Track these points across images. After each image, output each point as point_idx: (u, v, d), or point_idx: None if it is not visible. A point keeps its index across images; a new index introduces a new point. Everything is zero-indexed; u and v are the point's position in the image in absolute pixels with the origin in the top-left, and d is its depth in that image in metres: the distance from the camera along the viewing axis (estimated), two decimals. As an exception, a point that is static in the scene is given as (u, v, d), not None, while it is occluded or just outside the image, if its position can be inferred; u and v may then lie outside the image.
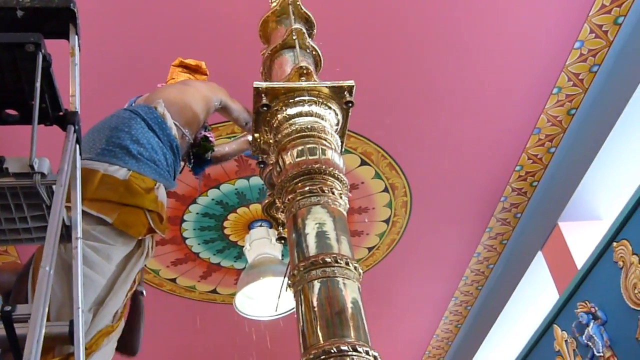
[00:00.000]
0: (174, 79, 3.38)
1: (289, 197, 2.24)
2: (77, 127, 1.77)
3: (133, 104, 2.95)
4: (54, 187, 1.55)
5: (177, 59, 3.50)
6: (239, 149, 3.56)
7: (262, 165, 2.79)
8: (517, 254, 6.24)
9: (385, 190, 5.68)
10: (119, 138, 2.57)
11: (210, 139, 3.29)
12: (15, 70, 1.67)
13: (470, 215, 5.99)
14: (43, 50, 1.66)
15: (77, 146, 1.77)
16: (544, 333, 5.03)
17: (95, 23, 3.97)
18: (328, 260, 1.97)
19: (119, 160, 2.51)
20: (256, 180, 5.33)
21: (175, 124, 2.83)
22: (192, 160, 3.28)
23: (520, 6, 4.39)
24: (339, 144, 2.53)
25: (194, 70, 3.47)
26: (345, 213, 2.25)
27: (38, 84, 1.61)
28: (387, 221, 6.03)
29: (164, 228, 2.64)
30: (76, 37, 1.91)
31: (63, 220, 1.61)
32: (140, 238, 2.49)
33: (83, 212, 1.92)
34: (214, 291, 6.59)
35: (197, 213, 5.70)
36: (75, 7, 1.89)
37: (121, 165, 2.50)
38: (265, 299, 5.40)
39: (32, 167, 1.51)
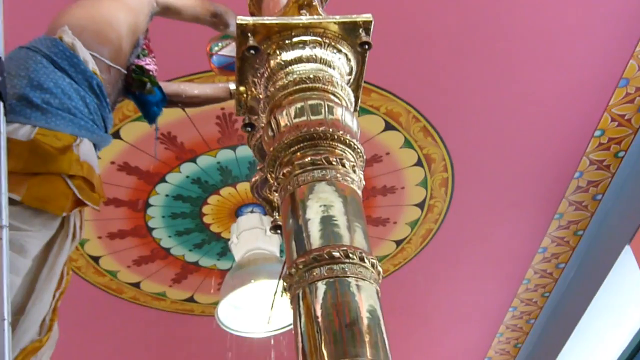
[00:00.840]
0: None
1: (285, 170, 2.25)
2: (1, 77, 1.78)
3: None
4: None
5: None
6: (214, 95, 3.56)
7: (249, 129, 2.81)
8: (598, 249, 6.25)
9: (419, 163, 5.68)
10: (14, 87, 2.49)
11: (146, 67, 3.20)
12: None
13: (533, 197, 6.00)
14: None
15: (1, 104, 1.79)
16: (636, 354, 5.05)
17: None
18: (336, 254, 1.98)
19: (18, 115, 2.44)
20: (245, 151, 5.34)
21: (92, 55, 2.76)
22: (125, 95, 3.22)
23: None
24: (352, 99, 2.54)
25: None
26: (359, 192, 2.25)
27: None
28: (421, 205, 6.05)
29: (97, 198, 2.62)
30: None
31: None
32: (64, 215, 2.48)
33: None
34: (191, 299, 6.65)
35: (167, 195, 5.73)
36: None
37: (22, 122, 2.44)
38: (257, 308, 5.44)
39: None
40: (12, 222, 2.26)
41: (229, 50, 3.47)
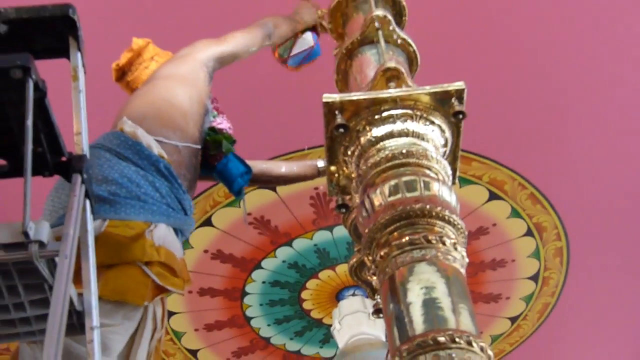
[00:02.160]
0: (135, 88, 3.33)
1: (382, 252, 2.24)
2: (85, 175, 1.83)
3: None
4: (57, 259, 1.61)
5: (114, 73, 3.42)
6: (302, 174, 3.57)
7: (343, 210, 2.81)
8: None
9: (529, 233, 5.61)
10: None
11: (218, 126, 3.23)
12: (-1, 105, 1.76)
13: (658, 263, 5.83)
14: (34, 76, 1.73)
15: (88, 202, 1.84)
16: None
17: (105, 29, 4.14)
18: (441, 339, 1.94)
19: None
20: (342, 232, 5.35)
21: (156, 140, 2.80)
22: (208, 171, 3.24)
23: None
24: (449, 172, 2.52)
25: (141, 59, 3.38)
26: (463, 271, 2.22)
27: (29, 122, 1.68)
28: (535, 278, 5.94)
29: (181, 282, 2.64)
30: (79, 54, 1.99)
31: (71, 304, 1.67)
32: (146, 304, 2.50)
33: None
34: (294, 391, 6.64)
35: (264, 282, 5.78)
36: (75, 15, 1.97)
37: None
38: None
39: (26, 234, 1.57)
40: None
41: (298, 47, 3.57)
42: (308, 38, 3.57)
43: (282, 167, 3.57)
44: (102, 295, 2.34)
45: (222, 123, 3.25)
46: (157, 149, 2.78)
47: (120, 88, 3.41)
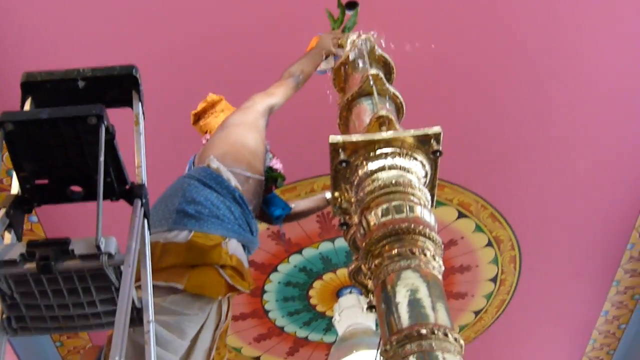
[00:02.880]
0: (207, 132, 3.46)
1: (376, 261, 2.25)
2: (144, 200, 1.85)
3: (192, 165, 3.08)
4: (122, 267, 1.63)
5: (192, 118, 3.56)
6: (316, 207, 3.62)
7: (344, 227, 2.82)
8: (654, 310, 5.97)
9: (489, 244, 5.60)
10: (173, 204, 2.68)
11: (274, 166, 3.30)
12: (78, 144, 1.78)
13: (592, 267, 5.81)
14: (106, 122, 1.76)
15: (145, 221, 1.86)
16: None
17: (160, 83, 4.17)
18: (424, 332, 1.96)
19: (177, 225, 2.61)
20: (342, 242, 5.36)
21: (232, 172, 2.89)
22: (265, 200, 3.29)
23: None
24: (429, 198, 2.53)
25: (214, 109, 3.51)
26: (440, 276, 2.23)
27: (102, 158, 1.70)
28: (494, 280, 5.92)
29: (247, 285, 2.71)
30: (140, 104, 2.02)
31: (133, 302, 1.68)
32: (220, 298, 2.57)
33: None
34: (303, 369, 6.60)
35: (279, 282, 5.77)
36: (137, 74, 2.00)
37: (180, 229, 2.59)
38: (361, 376, 5.35)
39: (98, 247, 1.59)
40: (176, 309, 2.41)
41: (324, 65, 3.58)
42: (331, 61, 3.55)
43: (301, 206, 3.58)
44: (186, 289, 2.44)
45: (276, 164, 3.30)
46: (234, 182, 2.86)
47: (195, 129, 3.57)
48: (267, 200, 3.31)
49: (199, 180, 2.81)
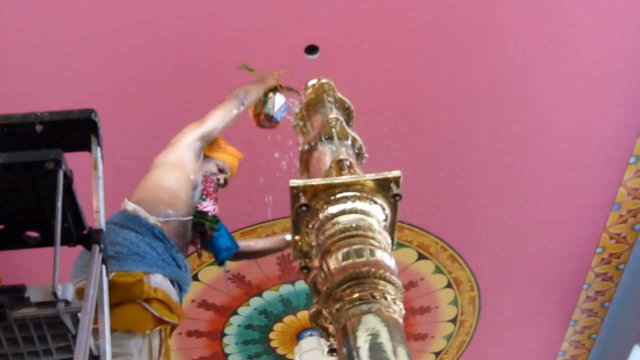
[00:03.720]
0: None
1: (337, 306, 2.24)
2: (102, 245, 1.83)
3: None
4: (79, 315, 1.60)
5: None
6: (274, 247, 3.57)
7: (305, 271, 2.80)
8: (610, 350, 6.02)
9: (449, 285, 5.62)
10: None
11: (204, 209, 3.18)
12: (35, 189, 1.76)
13: (550, 308, 5.86)
14: (64, 167, 1.74)
15: (104, 267, 1.83)
16: None
17: (117, 125, 4.14)
18: (385, 377, 1.95)
19: None
20: (302, 285, 5.33)
21: (150, 214, 2.88)
22: (201, 243, 3.25)
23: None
24: (389, 241, 2.53)
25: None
26: (401, 320, 2.22)
27: (59, 204, 1.68)
28: (454, 321, 5.93)
29: (177, 316, 2.69)
30: (98, 148, 2.01)
31: (90, 350, 1.65)
32: (149, 332, 2.54)
33: None
34: (263, 414, 6.50)
35: (239, 325, 5.71)
36: (96, 118, 1.99)
37: None
38: (321, 421, 5.30)
39: (55, 294, 1.56)
40: (113, 350, 2.32)
41: (277, 104, 3.61)
42: (280, 96, 3.62)
43: (259, 245, 3.56)
44: (114, 328, 2.37)
45: (207, 206, 3.19)
46: (153, 220, 2.87)
47: None
48: (210, 243, 3.27)
49: (115, 223, 2.82)
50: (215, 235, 3.25)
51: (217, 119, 3.29)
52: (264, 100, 3.61)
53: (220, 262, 3.34)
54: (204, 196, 3.22)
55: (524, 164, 4.86)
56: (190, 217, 3.10)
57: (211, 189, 3.27)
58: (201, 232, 3.20)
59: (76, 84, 4.07)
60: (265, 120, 3.65)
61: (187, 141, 3.19)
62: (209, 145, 3.35)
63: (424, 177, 4.75)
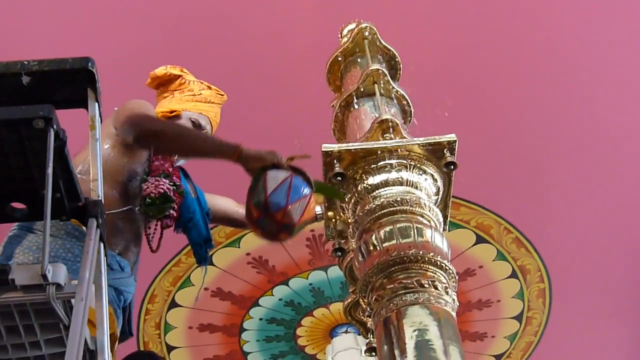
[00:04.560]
0: None
1: (377, 295, 2.25)
2: (100, 220, 1.85)
3: None
4: (73, 301, 1.62)
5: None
6: None
7: (339, 254, 2.82)
8: None
9: (514, 275, 5.60)
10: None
11: (144, 193, 2.78)
12: (21, 153, 1.77)
13: (635, 305, 5.81)
14: (55, 126, 1.74)
15: (102, 245, 1.85)
16: None
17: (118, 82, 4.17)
18: (434, 380, 1.96)
19: None
20: (336, 272, 5.35)
21: None
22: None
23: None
24: (441, 220, 2.54)
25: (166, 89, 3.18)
26: (454, 313, 2.23)
27: (50, 170, 1.69)
28: (519, 318, 5.92)
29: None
30: (96, 104, 2.01)
31: (86, 344, 1.67)
32: None
33: None
34: None
35: (261, 319, 5.76)
36: (94, 68, 2.00)
37: None
38: None
39: (44, 277, 1.58)
40: None
41: (275, 179, 2.57)
42: (275, 172, 2.59)
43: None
44: None
45: (148, 187, 2.80)
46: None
47: None
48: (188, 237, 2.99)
49: (22, 227, 2.57)
50: (189, 227, 2.93)
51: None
52: (252, 187, 2.61)
53: (199, 260, 3.01)
54: (144, 177, 2.87)
55: (616, 133, 4.82)
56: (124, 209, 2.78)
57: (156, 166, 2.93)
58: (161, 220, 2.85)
59: (72, 27, 4.10)
60: (261, 215, 2.56)
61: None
62: (178, 93, 3.08)
63: (485, 144, 4.72)
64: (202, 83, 3.15)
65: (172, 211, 2.81)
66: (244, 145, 2.64)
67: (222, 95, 3.16)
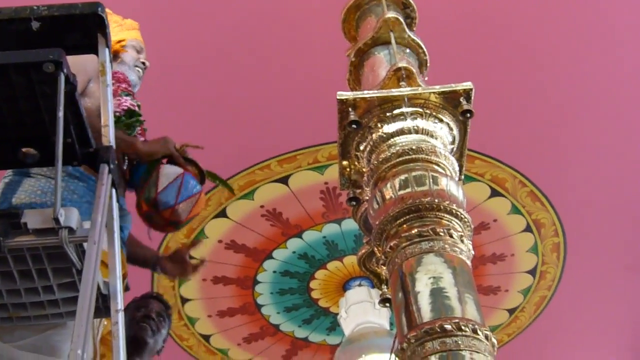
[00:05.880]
0: None
1: (392, 243, 2.24)
2: (112, 165, 1.84)
3: None
4: (85, 245, 1.62)
5: None
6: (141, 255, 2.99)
7: (354, 203, 2.81)
8: None
9: (528, 229, 5.59)
10: None
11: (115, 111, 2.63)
12: (32, 97, 1.76)
13: (650, 259, 5.81)
14: (65, 70, 1.74)
15: (114, 191, 1.85)
16: None
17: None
18: (448, 327, 1.95)
19: None
20: (350, 224, 5.35)
21: None
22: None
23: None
24: (457, 168, 2.53)
25: None
26: (469, 262, 2.23)
27: (61, 114, 1.68)
28: (532, 272, 5.92)
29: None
30: (107, 50, 2.00)
31: (99, 288, 1.67)
32: None
33: None
34: (302, 376, 6.63)
35: (275, 271, 5.78)
36: (104, 13, 1.98)
37: None
38: (370, 384, 5.38)
39: (56, 220, 1.58)
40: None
41: (167, 176, 2.66)
42: (170, 168, 2.69)
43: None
44: None
45: (116, 108, 2.72)
46: None
47: None
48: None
49: (18, 173, 2.47)
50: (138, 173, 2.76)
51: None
52: (143, 178, 2.69)
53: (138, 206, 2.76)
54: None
55: (627, 88, 4.77)
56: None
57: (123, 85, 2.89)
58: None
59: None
60: (150, 210, 2.68)
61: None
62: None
63: (500, 95, 4.68)
64: (117, 15, 3.14)
65: (141, 126, 2.79)
66: (137, 141, 2.69)
67: (136, 22, 3.19)
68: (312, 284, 5.91)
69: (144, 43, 3.15)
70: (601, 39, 4.55)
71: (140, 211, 2.69)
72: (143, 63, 3.07)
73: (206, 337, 6.14)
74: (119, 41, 3.01)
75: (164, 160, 2.73)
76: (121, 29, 3.10)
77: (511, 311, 6.25)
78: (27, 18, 1.94)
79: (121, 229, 2.62)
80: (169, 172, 2.66)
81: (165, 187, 2.62)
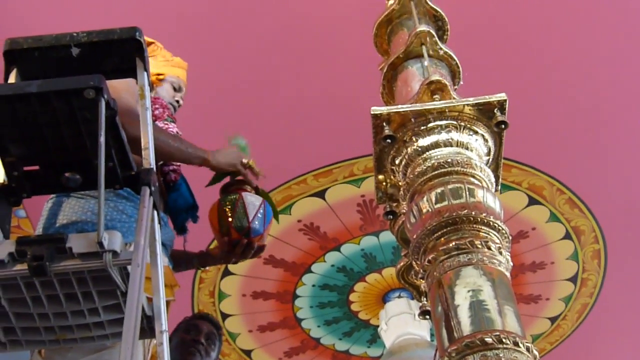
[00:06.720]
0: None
1: (430, 257, 2.25)
2: (153, 188, 1.87)
3: None
4: (129, 267, 1.65)
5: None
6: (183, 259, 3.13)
7: (391, 217, 2.82)
8: None
9: (567, 236, 5.55)
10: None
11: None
12: (73, 122, 1.80)
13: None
14: (106, 96, 1.78)
15: (155, 213, 1.88)
16: None
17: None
18: (489, 340, 1.95)
19: None
20: (388, 236, 5.36)
21: None
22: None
23: None
24: (493, 180, 2.53)
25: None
26: (508, 274, 2.23)
27: (102, 138, 1.72)
28: (573, 279, 5.88)
29: (170, 290, 2.49)
30: (145, 74, 2.04)
31: (143, 309, 1.71)
32: None
33: None
34: (344, 389, 6.64)
35: (314, 285, 5.80)
36: (141, 37, 2.02)
37: None
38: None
39: (100, 244, 1.61)
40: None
41: (250, 209, 2.84)
42: (250, 196, 2.87)
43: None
44: None
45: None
46: None
47: None
48: (170, 207, 2.91)
49: (69, 196, 2.55)
50: (173, 197, 2.86)
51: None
52: (223, 205, 2.86)
53: (180, 228, 2.91)
54: None
55: None
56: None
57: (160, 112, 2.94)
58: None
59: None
60: (240, 238, 2.85)
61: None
62: (152, 59, 2.86)
63: (536, 103, 4.67)
64: (167, 51, 3.23)
65: None
66: (209, 152, 2.82)
67: (184, 62, 3.25)
68: (352, 297, 5.92)
69: (186, 84, 3.18)
70: (631, 39, 4.52)
71: (230, 239, 2.86)
72: (177, 101, 3.12)
73: (247, 353, 6.17)
74: (158, 74, 3.05)
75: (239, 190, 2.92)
76: (167, 64, 3.16)
77: (553, 319, 6.21)
78: (67, 45, 1.99)
79: (164, 245, 2.72)
80: (252, 200, 2.87)
81: (254, 216, 2.83)
